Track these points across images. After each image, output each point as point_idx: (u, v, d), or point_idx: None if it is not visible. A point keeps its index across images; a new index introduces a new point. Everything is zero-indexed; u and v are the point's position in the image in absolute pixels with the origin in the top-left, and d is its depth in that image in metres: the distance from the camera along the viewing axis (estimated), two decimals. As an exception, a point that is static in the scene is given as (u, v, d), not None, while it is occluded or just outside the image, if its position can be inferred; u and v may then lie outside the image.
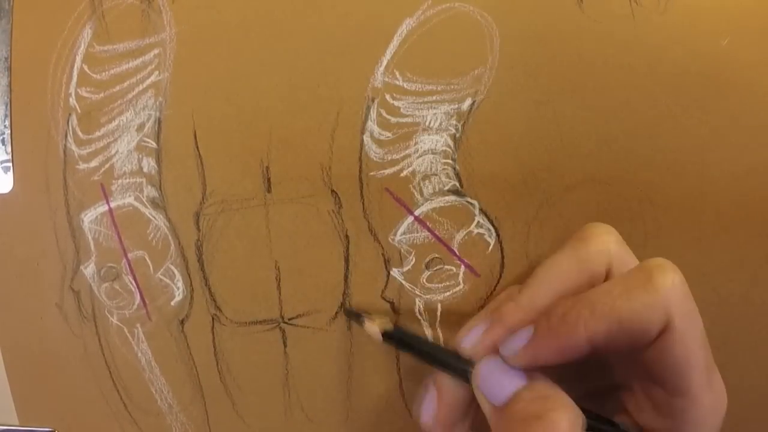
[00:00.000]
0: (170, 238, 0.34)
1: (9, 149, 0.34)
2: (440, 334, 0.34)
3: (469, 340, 0.28)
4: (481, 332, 0.27)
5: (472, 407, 0.28)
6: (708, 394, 0.24)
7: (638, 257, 0.33)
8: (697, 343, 0.24)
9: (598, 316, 0.23)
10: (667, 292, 0.23)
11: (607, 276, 0.27)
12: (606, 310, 0.23)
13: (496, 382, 0.26)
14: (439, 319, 0.34)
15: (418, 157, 0.33)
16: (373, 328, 0.31)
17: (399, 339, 0.31)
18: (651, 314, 0.23)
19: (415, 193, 0.33)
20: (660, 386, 0.25)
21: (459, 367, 0.28)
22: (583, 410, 0.25)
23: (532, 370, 0.25)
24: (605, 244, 0.27)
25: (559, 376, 0.26)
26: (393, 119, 0.33)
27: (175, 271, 0.34)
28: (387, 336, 0.31)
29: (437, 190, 0.33)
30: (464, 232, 0.33)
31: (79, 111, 0.34)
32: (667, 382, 0.24)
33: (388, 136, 0.33)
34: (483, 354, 0.27)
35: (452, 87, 0.33)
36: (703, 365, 0.24)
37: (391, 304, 0.34)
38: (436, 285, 0.34)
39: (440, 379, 0.29)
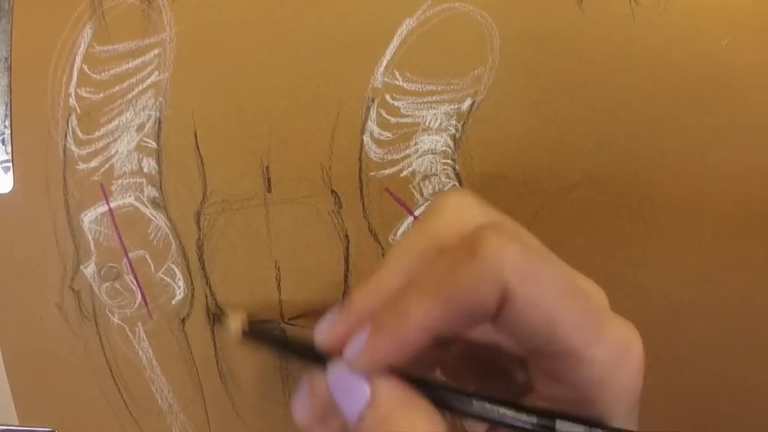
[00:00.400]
0: (171, 237, 0.34)
1: (9, 149, 0.34)
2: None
3: (320, 330, 0.25)
4: (332, 322, 0.24)
5: None
6: (596, 347, 0.21)
7: (639, 258, 0.33)
8: (552, 299, 0.20)
9: (428, 301, 0.21)
10: (494, 256, 0.20)
11: None
12: (433, 293, 0.21)
13: (346, 395, 0.23)
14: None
15: (418, 157, 0.33)
16: (235, 326, 0.28)
17: (259, 335, 0.28)
18: (479, 286, 0.20)
19: (415, 193, 0.33)
20: (537, 354, 0.22)
21: (320, 360, 0.25)
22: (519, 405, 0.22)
23: (381, 374, 0.23)
24: (457, 211, 0.23)
25: (460, 378, 0.24)
26: (393, 119, 0.33)
27: (176, 271, 0.34)
28: (248, 334, 0.28)
29: (437, 190, 0.33)
30: (464, 232, 0.33)
31: (79, 111, 0.34)
32: (539, 348, 0.21)
33: (388, 136, 0.33)
34: (333, 348, 0.24)
35: (452, 87, 0.33)
36: (572, 319, 0.21)
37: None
38: (436, 285, 0.34)
39: (314, 379, 0.26)
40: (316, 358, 0.25)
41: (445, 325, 0.21)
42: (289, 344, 0.28)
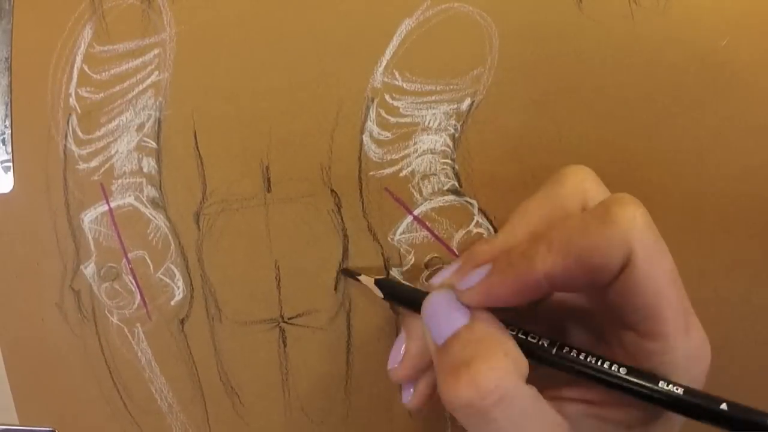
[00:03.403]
0: (170, 237, 0.34)
1: (9, 149, 0.34)
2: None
3: (439, 278, 0.27)
4: (452, 271, 0.26)
5: None
6: (683, 339, 0.22)
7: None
8: (665, 280, 0.22)
9: (555, 250, 0.22)
10: (627, 225, 0.21)
11: None
12: (562, 245, 0.22)
13: (442, 318, 0.24)
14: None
15: (417, 157, 0.33)
16: (369, 281, 0.31)
17: (389, 289, 0.31)
18: (609, 247, 0.21)
19: (415, 193, 0.33)
20: (630, 329, 0.23)
21: None
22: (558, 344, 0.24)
23: (484, 310, 0.24)
24: (579, 183, 0.25)
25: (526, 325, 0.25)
26: (392, 119, 0.33)
27: (176, 271, 0.34)
28: (381, 287, 0.31)
29: (436, 189, 0.33)
30: (463, 232, 0.33)
31: (79, 111, 0.34)
32: (636, 323, 0.23)
33: (387, 136, 0.33)
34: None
35: (451, 87, 0.33)
36: (674, 306, 0.22)
37: (392, 303, 0.34)
38: (436, 285, 0.34)
39: (409, 322, 0.28)
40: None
41: (566, 280, 0.22)
42: (415, 294, 0.29)
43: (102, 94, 0.34)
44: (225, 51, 0.34)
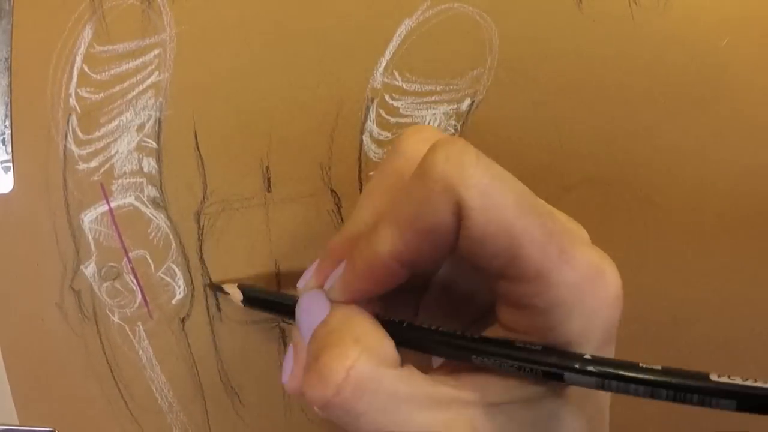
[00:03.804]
0: (171, 237, 0.34)
1: (9, 149, 0.34)
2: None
3: (303, 280, 0.25)
4: (312, 272, 0.25)
5: None
6: (564, 268, 0.20)
7: (639, 257, 0.33)
8: (512, 214, 0.19)
9: (390, 228, 0.20)
10: (442, 168, 0.19)
11: None
12: (393, 220, 0.20)
13: (307, 317, 0.23)
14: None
15: (417, 158, 0.33)
16: (234, 291, 0.31)
17: (253, 298, 0.31)
18: (433, 205, 0.19)
19: (415, 193, 0.33)
20: (502, 279, 0.21)
21: None
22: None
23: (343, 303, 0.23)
24: (415, 148, 0.23)
25: (439, 320, 0.23)
26: (392, 119, 0.33)
27: (176, 270, 0.34)
28: (245, 299, 0.31)
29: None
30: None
31: (79, 111, 0.34)
32: (502, 271, 0.20)
33: (387, 136, 0.33)
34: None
35: (451, 87, 0.33)
36: (536, 237, 0.19)
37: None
38: (436, 285, 0.34)
39: (294, 334, 0.26)
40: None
41: (412, 251, 0.20)
42: (278, 301, 0.30)
43: (102, 94, 0.34)
44: (225, 51, 0.34)
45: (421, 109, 0.33)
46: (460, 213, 0.19)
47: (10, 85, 0.34)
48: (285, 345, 0.35)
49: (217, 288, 0.34)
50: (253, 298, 0.31)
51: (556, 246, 0.20)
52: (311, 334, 0.23)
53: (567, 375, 0.20)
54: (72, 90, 0.34)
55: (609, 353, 0.22)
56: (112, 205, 0.34)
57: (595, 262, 0.21)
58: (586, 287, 0.20)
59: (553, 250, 0.19)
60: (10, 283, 0.35)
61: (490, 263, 0.20)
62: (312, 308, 0.24)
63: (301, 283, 0.26)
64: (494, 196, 0.19)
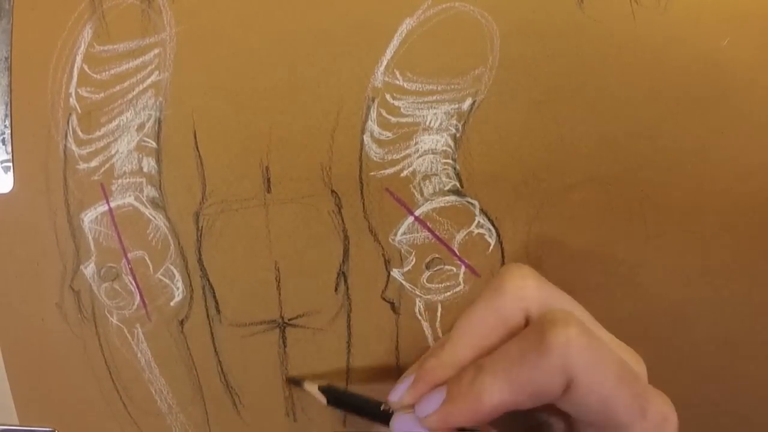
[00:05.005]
0: (170, 238, 0.34)
1: (9, 149, 0.34)
2: (440, 334, 0.34)
3: (395, 394, 0.28)
4: (406, 388, 0.27)
5: None
6: (640, 422, 0.24)
7: (639, 257, 0.33)
8: (610, 386, 0.23)
9: (500, 384, 0.24)
10: (562, 351, 0.23)
11: (527, 323, 0.26)
12: (506, 379, 0.24)
13: None
14: (439, 319, 0.34)
15: (418, 157, 0.33)
16: (316, 392, 0.32)
17: (335, 398, 0.32)
18: (549, 377, 0.23)
19: (416, 193, 0.33)
20: (590, 426, 0.25)
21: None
22: None
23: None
24: (520, 290, 0.26)
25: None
26: (393, 119, 0.33)
27: (175, 272, 0.34)
28: (326, 395, 0.32)
29: (437, 190, 0.33)
30: (464, 232, 0.33)
31: (79, 111, 0.34)
32: (592, 423, 0.24)
33: (388, 136, 0.33)
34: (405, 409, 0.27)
35: (452, 87, 0.33)
36: (625, 402, 0.23)
37: (392, 304, 0.34)
38: (437, 285, 0.34)
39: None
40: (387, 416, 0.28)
41: (515, 405, 0.24)
42: (363, 403, 0.30)
43: (102, 94, 0.34)
44: (225, 51, 0.34)
45: (422, 109, 0.33)
46: (568, 385, 0.23)
47: (10, 84, 0.34)
48: (285, 346, 0.35)
49: (294, 382, 0.35)
50: (337, 399, 0.32)
51: (639, 406, 0.24)
52: None
53: None
54: (72, 90, 0.34)
55: None
56: (112, 205, 0.34)
57: (664, 412, 0.25)
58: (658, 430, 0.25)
59: (636, 409, 0.24)
60: (10, 283, 0.35)
61: (583, 415, 0.24)
62: None
63: (394, 397, 0.28)
64: (598, 374, 0.23)
